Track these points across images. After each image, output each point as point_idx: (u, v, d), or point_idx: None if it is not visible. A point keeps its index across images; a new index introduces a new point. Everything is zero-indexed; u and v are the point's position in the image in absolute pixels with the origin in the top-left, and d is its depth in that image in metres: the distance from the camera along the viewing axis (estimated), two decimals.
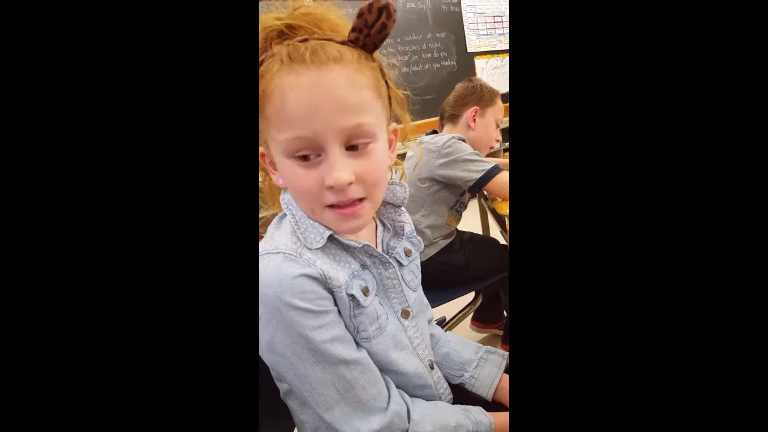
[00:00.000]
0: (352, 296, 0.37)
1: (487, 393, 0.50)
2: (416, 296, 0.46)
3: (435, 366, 0.46)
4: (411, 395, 0.41)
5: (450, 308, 1.07)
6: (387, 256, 0.41)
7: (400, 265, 0.44)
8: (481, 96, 1.01)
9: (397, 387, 0.40)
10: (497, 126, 1.05)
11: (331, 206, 0.35)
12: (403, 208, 0.45)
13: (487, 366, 0.51)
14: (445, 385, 0.47)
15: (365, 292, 0.38)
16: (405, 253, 0.46)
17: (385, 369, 0.39)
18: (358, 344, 0.38)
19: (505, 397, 0.50)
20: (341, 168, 0.33)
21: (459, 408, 0.43)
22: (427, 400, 0.43)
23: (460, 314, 1.21)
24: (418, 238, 0.49)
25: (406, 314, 0.43)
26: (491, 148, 1.06)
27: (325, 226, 0.37)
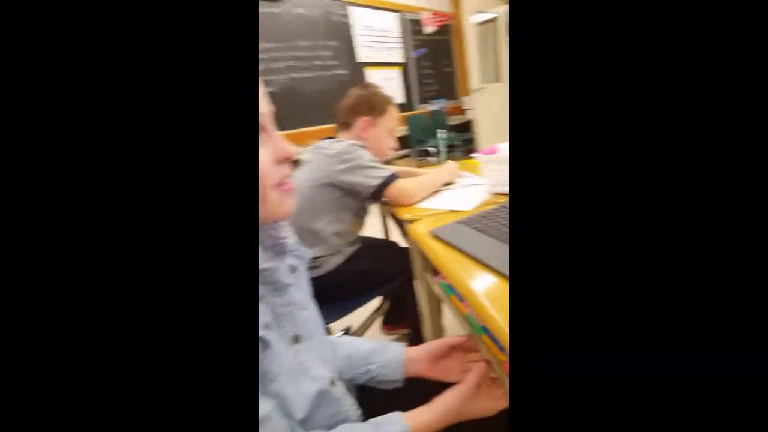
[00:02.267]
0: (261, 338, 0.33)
1: (400, 374, 0.51)
2: (307, 314, 0.43)
3: (336, 382, 0.44)
4: (314, 421, 0.38)
5: (356, 315, 1.05)
6: (280, 283, 0.38)
7: (288, 286, 0.41)
8: (373, 106, 1.01)
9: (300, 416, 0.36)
10: (391, 134, 1.06)
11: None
12: (281, 223, 0.41)
13: (391, 347, 0.53)
14: (350, 402, 0.44)
15: (268, 328, 0.35)
16: (290, 270, 0.42)
17: (282, 403, 0.35)
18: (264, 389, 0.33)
19: (416, 368, 0.51)
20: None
21: (368, 425, 0.41)
22: (333, 420, 0.40)
23: (368, 320, 1.21)
24: (303, 248, 0.46)
25: (297, 339, 0.40)
26: (386, 156, 1.08)
27: None
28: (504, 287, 0.42)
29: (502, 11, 4.03)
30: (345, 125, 1.03)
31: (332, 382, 0.42)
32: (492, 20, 4.10)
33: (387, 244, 1.18)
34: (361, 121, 1.00)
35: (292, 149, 0.36)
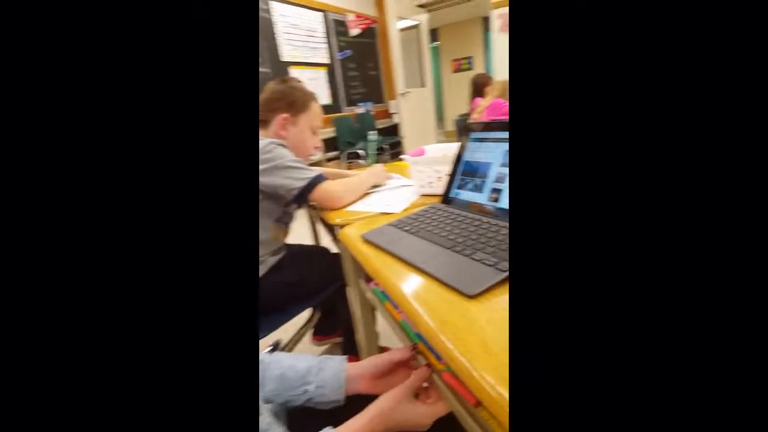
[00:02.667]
0: None
1: (340, 394, 0.46)
2: None
3: (263, 411, 0.38)
4: None
5: (287, 327, 0.98)
6: None
7: None
8: (292, 101, 0.93)
9: None
10: (314, 133, 0.98)
11: None
12: None
13: (329, 364, 0.48)
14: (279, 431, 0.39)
15: None
16: None
17: None
18: None
19: (357, 386, 0.48)
20: None
21: None
22: None
23: (298, 333, 1.13)
24: None
25: None
26: (309, 156, 1.01)
27: None
28: (438, 291, 0.40)
29: (424, 19, 4.20)
30: (263, 123, 0.94)
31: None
32: (414, 27, 4.26)
33: (317, 251, 1.12)
34: (280, 119, 0.92)
35: None
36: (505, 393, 0.26)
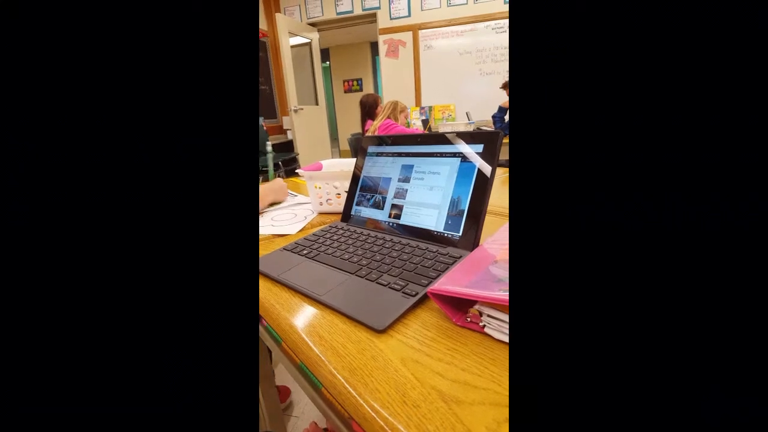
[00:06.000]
0: None
1: None
2: None
3: None
4: None
5: None
6: None
7: None
8: None
9: None
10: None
11: None
12: None
13: None
14: None
15: None
16: None
17: None
18: None
19: None
20: None
21: None
22: None
23: None
24: None
25: None
26: None
27: None
28: (343, 327, 0.34)
29: (315, 37, 4.21)
30: None
31: None
32: (306, 44, 4.23)
33: None
34: None
35: None
36: None
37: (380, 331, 0.33)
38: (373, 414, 0.24)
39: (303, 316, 0.38)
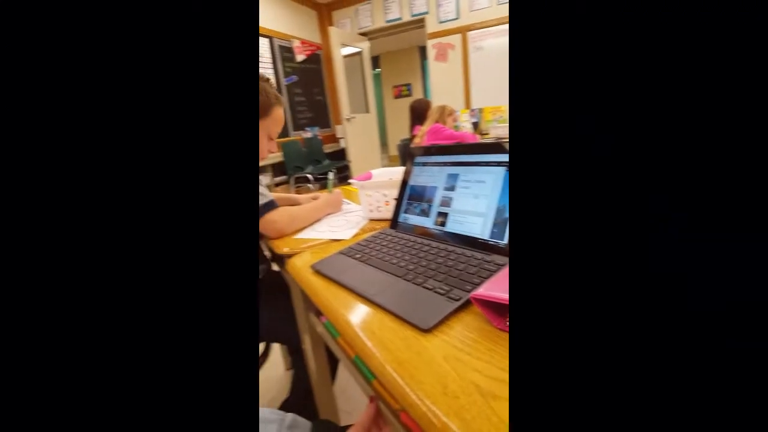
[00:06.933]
0: None
1: None
2: None
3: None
4: None
5: None
6: None
7: None
8: None
9: None
10: (270, 138, 0.92)
11: None
12: None
13: None
14: None
15: None
16: None
17: None
18: None
19: None
20: None
21: None
22: None
23: None
24: None
25: None
26: (263, 159, 0.96)
27: None
28: (392, 325, 0.38)
29: (365, 46, 4.34)
30: None
31: None
32: (357, 54, 4.38)
33: (282, 284, 1.01)
34: None
35: None
36: None
37: (426, 331, 0.36)
38: (418, 402, 0.28)
39: (357, 314, 0.42)
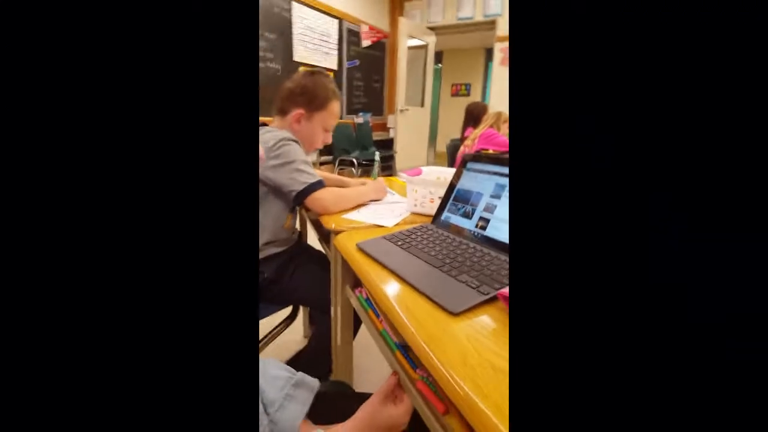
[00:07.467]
0: None
1: None
2: None
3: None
4: None
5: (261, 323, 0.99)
6: None
7: None
8: (312, 99, 0.96)
9: None
10: (326, 130, 1.01)
11: None
12: None
13: (290, 405, 0.44)
14: None
15: None
16: None
17: None
18: None
19: None
20: None
21: None
22: None
23: (277, 330, 1.14)
24: None
25: None
26: (316, 149, 1.05)
27: None
28: (425, 306, 0.44)
29: (431, 41, 4.33)
30: (281, 111, 0.98)
31: None
32: (423, 47, 4.38)
33: (316, 258, 1.09)
34: (296, 113, 0.96)
35: None
36: (478, 401, 0.30)
37: (454, 314, 0.42)
38: (440, 366, 0.34)
39: (394, 290, 0.49)
